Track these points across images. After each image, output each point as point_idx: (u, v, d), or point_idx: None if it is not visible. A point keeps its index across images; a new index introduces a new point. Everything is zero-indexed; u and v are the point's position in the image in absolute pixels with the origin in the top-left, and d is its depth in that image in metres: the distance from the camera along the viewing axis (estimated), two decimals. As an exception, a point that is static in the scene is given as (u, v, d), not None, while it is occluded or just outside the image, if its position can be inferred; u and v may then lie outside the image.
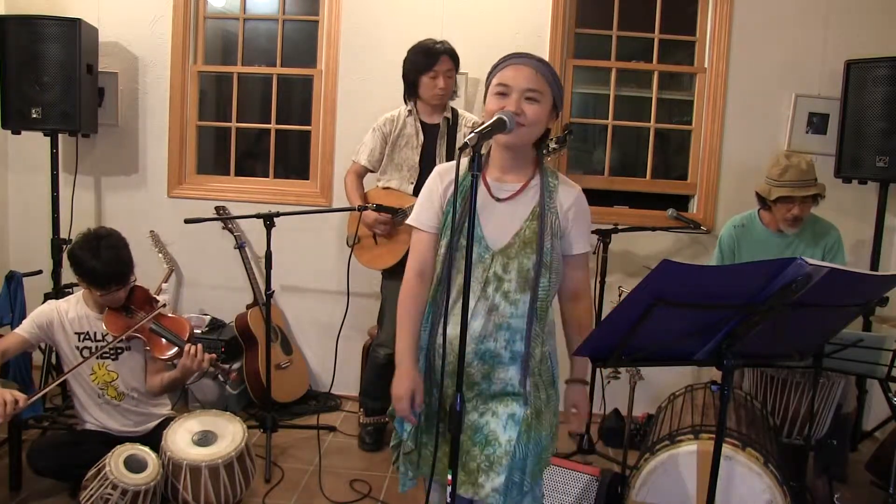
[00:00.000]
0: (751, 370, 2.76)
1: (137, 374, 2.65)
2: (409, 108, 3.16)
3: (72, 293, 3.05)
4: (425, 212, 1.78)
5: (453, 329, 1.67)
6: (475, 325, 1.67)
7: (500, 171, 1.74)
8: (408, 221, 1.83)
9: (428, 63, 3.01)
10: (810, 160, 2.78)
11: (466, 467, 1.68)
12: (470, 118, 3.19)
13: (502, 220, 1.70)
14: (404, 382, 1.69)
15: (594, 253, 3.26)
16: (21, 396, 2.28)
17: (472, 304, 1.65)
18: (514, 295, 1.67)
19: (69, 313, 2.60)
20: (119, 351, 2.60)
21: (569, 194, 1.74)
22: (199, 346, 2.56)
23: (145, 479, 2.29)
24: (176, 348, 2.61)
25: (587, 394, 1.79)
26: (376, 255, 3.20)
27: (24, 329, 2.55)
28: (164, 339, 2.60)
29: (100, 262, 2.46)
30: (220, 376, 2.70)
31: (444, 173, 1.79)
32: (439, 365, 1.69)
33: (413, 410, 1.69)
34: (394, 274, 3.20)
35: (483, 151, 1.76)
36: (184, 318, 2.76)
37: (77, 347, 2.58)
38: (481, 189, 1.71)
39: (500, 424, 1.67)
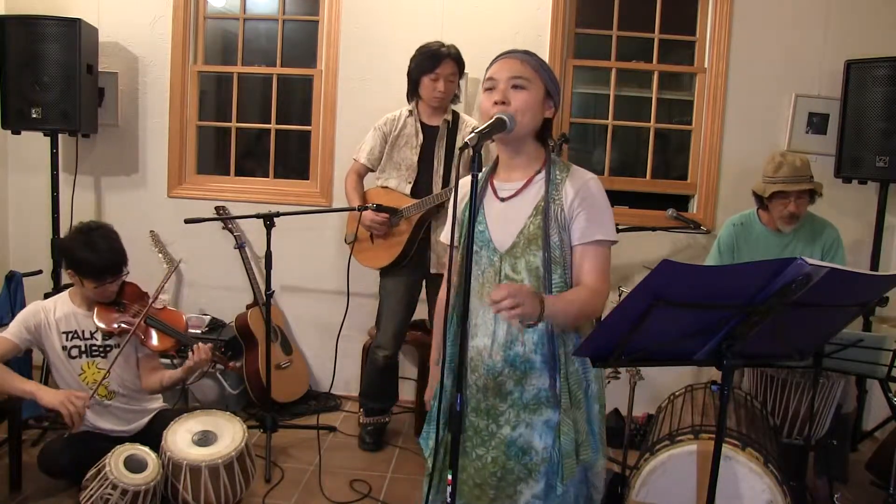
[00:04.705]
0: (751, 370, 2.76)
1: (128, 370, 2.63)
2: (410, 108, 3.18)
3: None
4: (448, 225, 1.80)
5: (480, 340, 1.67)
6: (500, 333, 1.66)
7: (507, 170, 1.72)
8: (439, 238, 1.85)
9: (431, 65, 3.06)
10: (805, 158, 2.79)
11: (504, 481, 1.67)
12: (470, 122, 3.20)
13: (506, 219, 1.68)
14: (430, 388, 1.91)
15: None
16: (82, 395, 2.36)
17: (493, 309, 1.64)
18: None
19: (56, 312, 2.55)
20: (108, 348, 2.58)
21: (575, 183, 1.65)
22: (200, 344, 2.56)
23: (145, 479, 2.29)
24: (174, 340, 2.61)
25: (532, 296, 1.48)
26: (372, 255, 3.21)
27: (13, 334, 2.47)
28: (162, 332, 2.61)
29: (95, 252, 2.44)
30: (218, 364, 2.68)
31: (460, 185, 1.79)
32: (471, 380, 1.68)
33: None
34: (389, 273, 3.22)
35: (488, 161, 1.76)
36: (177, 311, 2.76)
37: (65, 347, 2.53)
38: (488, 191, 1.71)
39: (534, 433, 1.66)
